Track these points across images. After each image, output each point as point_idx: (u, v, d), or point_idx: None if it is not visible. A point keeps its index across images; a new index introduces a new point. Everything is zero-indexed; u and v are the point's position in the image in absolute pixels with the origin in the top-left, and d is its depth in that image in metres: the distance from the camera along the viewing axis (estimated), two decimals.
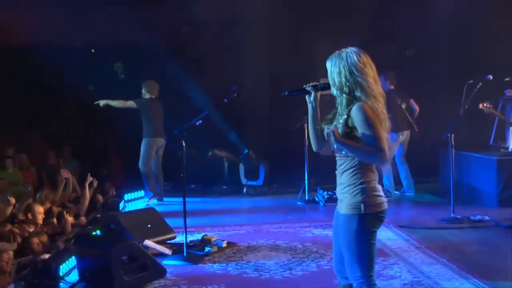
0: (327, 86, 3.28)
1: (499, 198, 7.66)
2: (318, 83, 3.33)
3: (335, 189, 3.32)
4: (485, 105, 7.14)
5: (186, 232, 5.59)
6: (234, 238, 6.36)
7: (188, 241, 5.69)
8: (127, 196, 8.32)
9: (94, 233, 5.97)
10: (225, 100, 5.79)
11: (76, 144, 10.54)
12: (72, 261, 5.12)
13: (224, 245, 5.99)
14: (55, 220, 6.43)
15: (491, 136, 8.42)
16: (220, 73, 9.80)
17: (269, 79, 10.33)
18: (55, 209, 6.70)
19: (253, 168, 9.64)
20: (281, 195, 9.31)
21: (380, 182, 7.97)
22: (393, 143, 8.21)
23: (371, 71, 3.16)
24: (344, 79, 3.13)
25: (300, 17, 9.96)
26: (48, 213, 6.50)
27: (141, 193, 8.66)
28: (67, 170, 7.82)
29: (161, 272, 5.10)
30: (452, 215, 6.89)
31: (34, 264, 5.04)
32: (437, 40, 9.75)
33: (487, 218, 6.89)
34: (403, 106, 8.53)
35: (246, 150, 9.58)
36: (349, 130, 3.11)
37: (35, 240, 5.50)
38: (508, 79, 7.70)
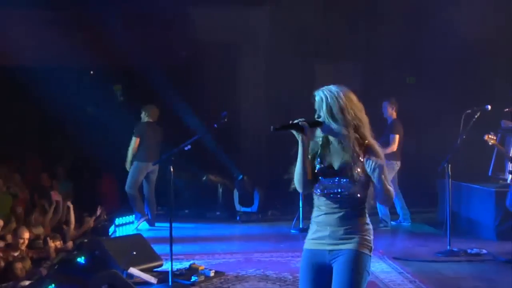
0: (320, 122, 3.02)
1: (497, 230, 7.48)
2: (305, 120, 3.00)
3: None
4: (490, 136, 6.98)
5: (172, 260, 5.40)
6: (223, 267, 6.18)
7: (174, 269, 5.51)
8: (118, 221, 8.16)
9: (78, 259, 5.81)
10: (215, 125, 5.66)
11: (71, 165, 10.41)
12: None
13: (212, 274, 5.81)
14: (41, 244, 6.28)
15: (490, 167, 8.26)
16: (216, 97, 9.70)
17: (267, 104, 10.23)
18: (42, 234, 6.56)
19: (248, 194, 9.49)
20: (275, 222, 9.14)
21: (375, 210, 7.92)
22: (393, 172, 8.10)
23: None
24: (349, 116, 2.97)
25: (299, 42, 9.91)
26: (35, 237, 6.38)
27: (132, 217, 8.51)
28: (57, 193, 7.69)
29: None
30: (448, 247, 6.72)
31: None
32: (438, 68, 9.67)
33: (484, 251, 6.72)
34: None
35: (241, 176, 9.44)
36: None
37: (19, 265, 5.40)
38: (507, 109, 7.57)
